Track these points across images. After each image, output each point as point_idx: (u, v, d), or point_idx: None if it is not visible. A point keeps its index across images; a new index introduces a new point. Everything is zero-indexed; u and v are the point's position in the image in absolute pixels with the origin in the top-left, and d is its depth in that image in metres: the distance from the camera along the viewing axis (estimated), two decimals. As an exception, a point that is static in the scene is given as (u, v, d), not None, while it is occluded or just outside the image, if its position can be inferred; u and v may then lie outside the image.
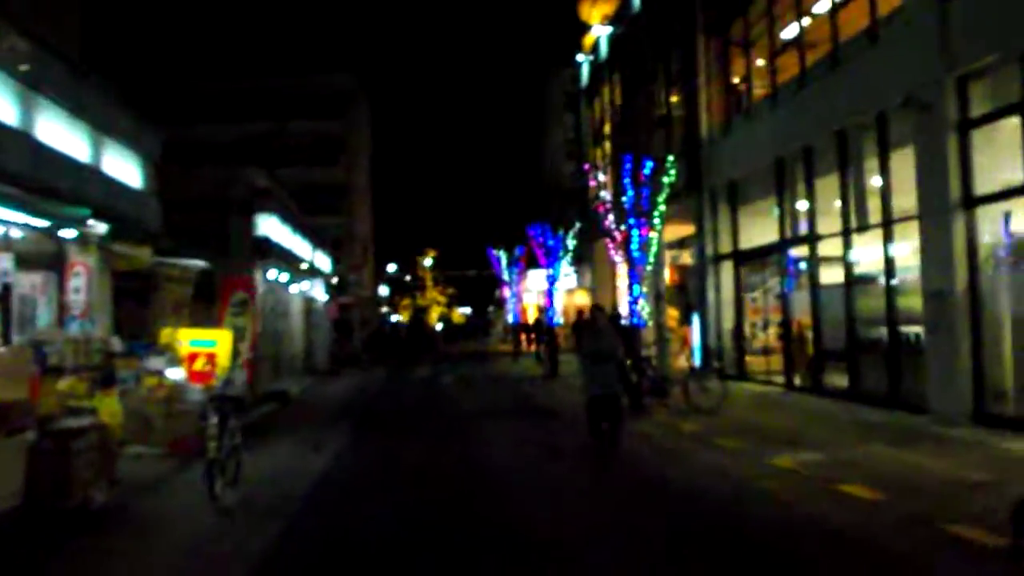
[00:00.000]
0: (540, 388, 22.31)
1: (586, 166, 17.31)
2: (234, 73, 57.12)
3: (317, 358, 30.64)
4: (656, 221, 15.99)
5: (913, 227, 14.68)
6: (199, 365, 13.01)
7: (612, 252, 15.80)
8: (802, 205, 18.42)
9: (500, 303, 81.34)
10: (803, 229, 18.45)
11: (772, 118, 19.32)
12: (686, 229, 26.73)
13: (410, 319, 70.55)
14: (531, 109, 68.81)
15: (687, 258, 25.06)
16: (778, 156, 18.96)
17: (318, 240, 32.11)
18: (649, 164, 15.83)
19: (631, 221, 15.67)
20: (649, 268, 16.52)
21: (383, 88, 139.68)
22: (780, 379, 19.43)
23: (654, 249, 16.36)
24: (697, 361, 23.54)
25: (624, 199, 16.28)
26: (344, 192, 57.66)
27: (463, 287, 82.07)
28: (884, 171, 15.03)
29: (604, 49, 33.10)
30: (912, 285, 14.88)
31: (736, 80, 21.84)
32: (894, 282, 14.95)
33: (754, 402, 16.90)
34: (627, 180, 15.53)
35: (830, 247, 17.64)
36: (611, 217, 15.87)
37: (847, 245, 16.32)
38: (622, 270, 33.63)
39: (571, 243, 25.37)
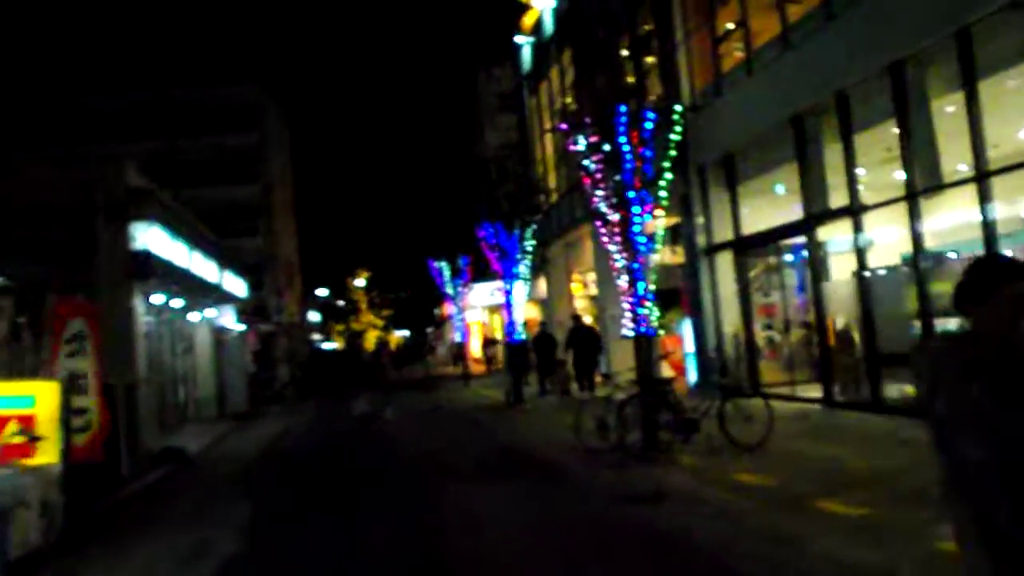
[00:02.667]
0: (510, 423, 17.88)
1: (563, 125, 12.89)
2: (130, 87, 51.66)
3: (232, 399, 25.76)
4: (662, 194, 11.75)
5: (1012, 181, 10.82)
6: (6, 435, 8.34)
7: (604, 241, 11.49)
8: (835, 169, 14.45)
9: (440, 322, 76.56)
10: (838, 200, 14.47)
11: (784, 65, 15.35)
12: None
13: (345, 345, 65.44)
14: (462, 115, 64.69)
15: (668, 256, 20.95)
16: (796, 112, 14.99)
17: (228, 261, 27.26)
18: (651, 116, 11.57)
19: (631, 195, 11.35)
20: (656, 258, 12.25)
21: (303, 101, 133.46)
22: (811, 393, 15.41)
23: (660, 233, 12.10)
24: (694, 375, 19.44)
25: (612, 174, 12.02)
26: (263, 211, 52.58)
27: (399, 308, 77.22)
28: (972, 106, 11.06)
29: (549, 26, 29.04)
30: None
31: (730, 26, 17.84)
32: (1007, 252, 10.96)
33: (800, 427, 12.76)
34: (623, 139, 11.23)
35: (880, 219, 13.70)
36: (599, 193, 11.50)
37: (914, 213, 12.33)
38: (583, 277, 29.53)
39: (530, 243, 20.97)
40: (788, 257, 17.27)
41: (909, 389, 13.24)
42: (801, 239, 15.90)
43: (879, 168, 14.02)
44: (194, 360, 23.73)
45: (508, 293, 21.71)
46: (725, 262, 18.67)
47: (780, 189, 17.26)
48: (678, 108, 12.32)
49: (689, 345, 19.79)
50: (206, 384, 24.19)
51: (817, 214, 14.81)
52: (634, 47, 20.35)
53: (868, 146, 13.79)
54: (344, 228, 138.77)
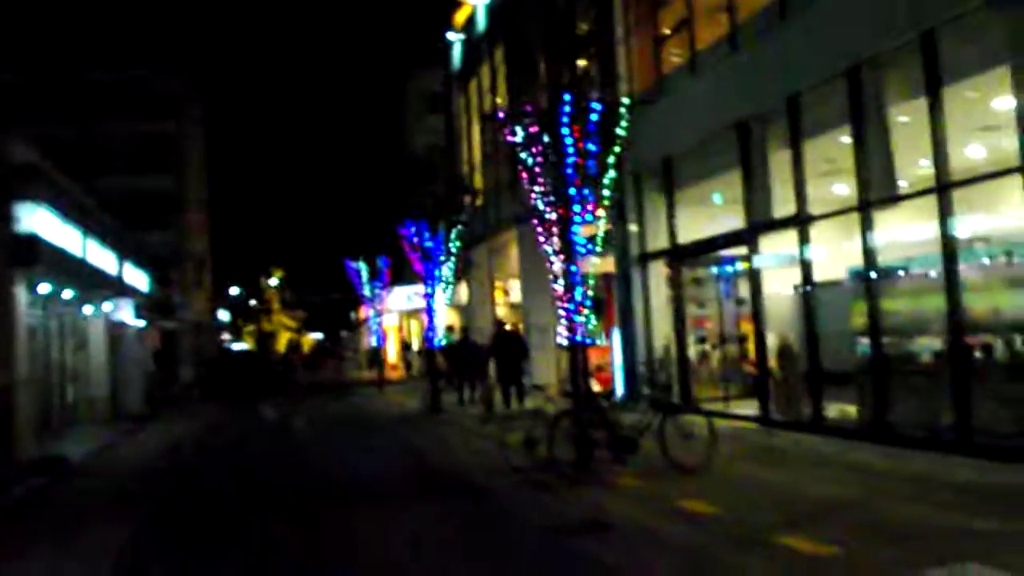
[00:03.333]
0: (429, 435, 16.72)
1: (500, 114, 11.88)
2: (38, 64, 48.73)
3: (128, 399, 23.95)
4: (606, 193, 10.85)
5: (980, 191, 10.26)
6: None
7: (541, 241, 10.53)
8: (780, 178, 13.78)
9: (356, 326, 74.70)
10: (783, 209, 13.81)
11: (731, 67, 14.64)
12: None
13: (256, 346, 63.19)
14: (387, 115, 63.30)
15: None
16: (742, 116, 14.28)
17: (130, 252, 25.44)
18: (596, 108, 10.66)
19: (571, 192, 10.41)
20: (595, 262, 11.33)
21: (224, 94, 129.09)
22: (745, 410, 14.71)
23: (601, 235, 11.19)
24: (621, 389, 18.62)
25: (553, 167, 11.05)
26: (175, 204, 50.17)
27: (314, 310, 75.05)
28: (935, 114, 10.44)
29: (482, 22, 28.07)
30: (990, 274, 10.47)
31: (669, 29, 17.12)
32: (965, 269, 10.33)
33: (739, 448, 11.96)
34: (565, 131, 10.29)
35: (828, 231, 13.06)
36: (537, 189, 10.55)
37: (867, 224, 11.68)
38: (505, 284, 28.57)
39: (454, 245, 19.91)
40: (727, 268, 16.57)
41: (850, 409, 12.65)
42: (740, 250, 15.22)
43: (827, 178, 13.40)
44: (87, 357, 21.93)
45: (429, 297, 20.58)
46: (658, 271, 17.93)
47: (719, 198, 16.61)
48: (626, 101, 11.46)
49: (617, 357, 18.98)
50: (100, 383, 22.39)
51: (760, 223, 14.12)
52: (571, 45, 19.49)
53: (818, 154, 13.15)
54: (260, 226, 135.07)
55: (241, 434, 19.33)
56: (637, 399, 17.38)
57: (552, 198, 11.07)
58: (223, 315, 65.76)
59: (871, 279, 11.66)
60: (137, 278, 26.49)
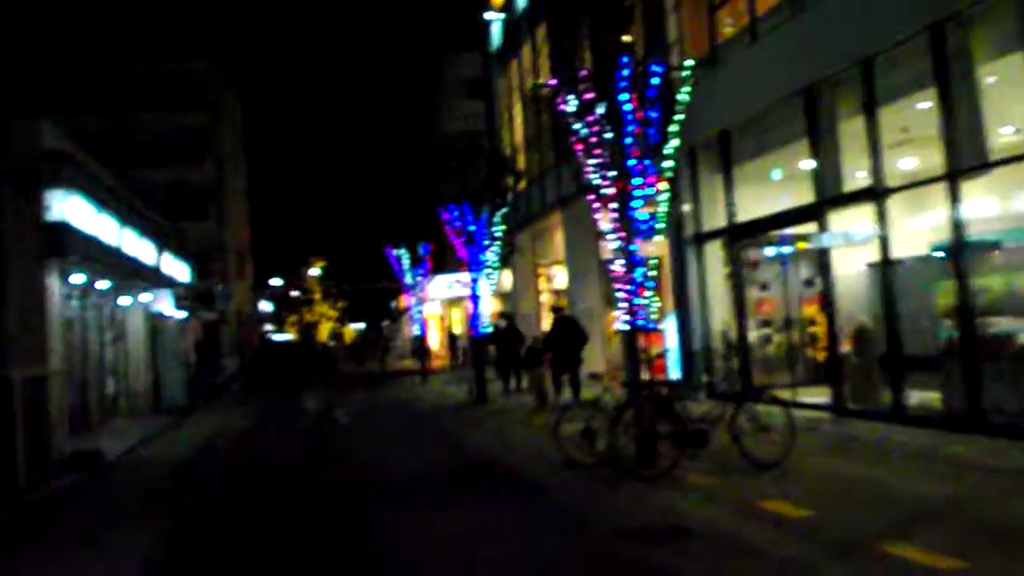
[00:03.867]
0: (477, 427, 15.95)
1: (552, 81, 10.97)
2: (71, 59, 48.61)
3: (170, 391, 23.52)
4: (667, 164, 9.97)
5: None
6: None
7: (597, 219, 9.66)
8: (852, 149, 12.77)
9: (397, 315, 74.28)
10: (853, 182, 12.82)
11: (797, 28, 13.62)
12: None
13: (298, 337, 63.04)
14: (423, 101, 62.63)
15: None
16: (811, 82, 13.27)
17: (169, 242, 25.00)
18: (657, 71, 9.76)
19: (631, 164, 9.54)
20: (656, 240, 10.45)
21: (259, 81, 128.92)
22: (815, 398, 13.73)
23: (663, 211, 10.30)
24: (676, 375, 17.73)
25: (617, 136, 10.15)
26: (214, 195, 49.94)
27: (355, 300, 74.81)
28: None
29: (522, 0, 27.18)
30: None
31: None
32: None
33: (815, 440, 11.02)
34: (624, 97, 9.41)
35: (900, 205, 12.03)
36: (592, 162, 9.69)
37: (954, 196, 10.65)
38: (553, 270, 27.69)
39: (499, 228, 19.10)
40: (788, 247, 15.55)
41: (933, 396, 11.65)
42: (806, 227, 14.22)
43: (901, 148, 12.38)
44: (126, 349, 21.50)
45: (474, 283, 19.79)
46: (714, 253, 16.99)
47: (780, 172, 15.64)
48: (689, 63, 10.53)
49: (672, 344, 18.07)
50: (140, 375, 21.96)
51: (830, 198, 13.12)
52: (620, 15, 18.51)
53: (893, 122, 12.13)
54: (300, 215, 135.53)
55: (283, 427, 18.75)
56: (695, 387, 16.51)
57: (609, 172, 10.18)
58: (265, 306, 65.72)
59: (960, 254, 10.63)
60: (177, 269, 26.04)
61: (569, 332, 16.16)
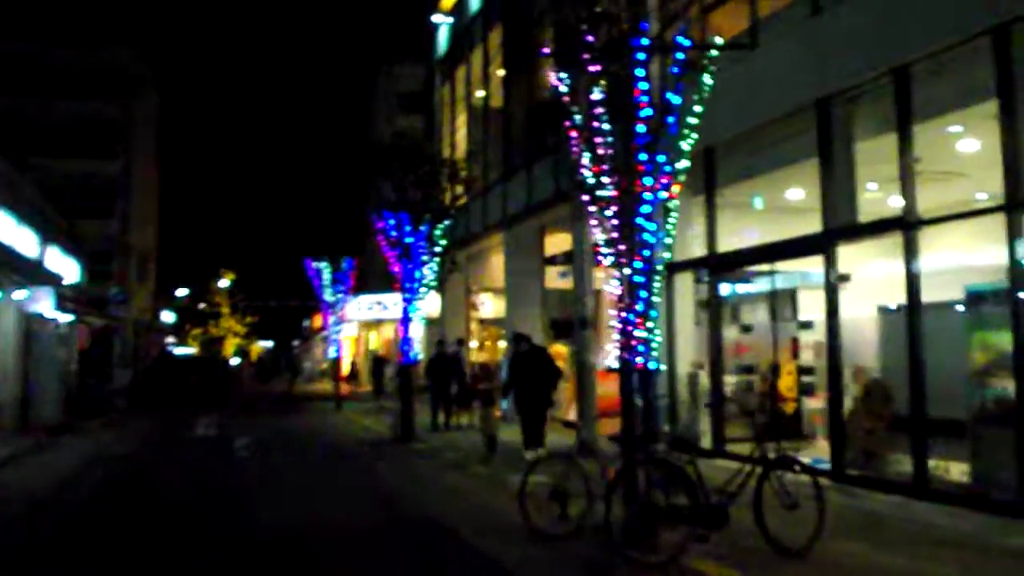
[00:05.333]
0: (405, 468, 13.52)
1: (545, 50, 8.78)
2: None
3: (43, 407, 20.32)
4: (684, 164, 7.90)
5: None
6: None
7: (593, 226, 7.48)
8: (869, 172, 10.97)
9: (309, 335, 70.83)
10: (869, 212, 11.01)
11: (806, 33, 11.79)
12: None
13: (201, 352, 59.15)
14: (355, 117, 60.00)
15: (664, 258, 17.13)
16: (827, 92, 11.43)
17: (55, 234, 21.94)
18: (683, 44, 7.69)
19: (640, 160, 7.42)
20: (664, 257, 8.37)
21: (180, 82, 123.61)
22: (804, 459, 11.72)
23: (672, 220, 8.21)
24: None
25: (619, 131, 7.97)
26: (119, 191, 46.17)
27: (265, 316, 71.10)
28: None
29: (475, 2, 25.11)
30: None
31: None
32: None
33: (830, 517, 8.97)
34: (640, 73, 7.30)
35: (943, 236, 10.21)
36: (590, 155, 7.54)
37: (1013, 230, 8.83)
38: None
39: (440, 243, 16.86)
40: (775, 282, 13.68)
41: (960, 468, 9.80)
42: (804, 263, 12.37)
43: (938, 174, 10.62)
44: (-8, 354, 18.37)
45: (408, 302, 17.40)
46: (686, 285, 15.02)
47: (773, 198, 13.80)
48: (718, 41, 8.51)
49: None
50: (6, 385, 18.77)
51: (843, 228, 11.25)
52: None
53: (927, 141, 10.35)
54: (213, 222, 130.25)
55: (169, 458, 15.89)
56: (653, 439, 14.42)
57: (612, 168, 8.04)
58: (168, 316, 61.63)
59: (1019, 300, 8.79)
60: (64, 266, 22.94)
61: (537, 366, 13.60)
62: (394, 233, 17.12)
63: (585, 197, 8.29)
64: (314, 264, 28.17)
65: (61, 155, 43.48)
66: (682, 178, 8.35)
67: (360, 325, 47.10)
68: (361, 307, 39.40)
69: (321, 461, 15.06)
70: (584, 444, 14.31)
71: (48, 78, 44.53)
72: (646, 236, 8.06)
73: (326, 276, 28.14)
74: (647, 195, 7.97)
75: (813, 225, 11.85)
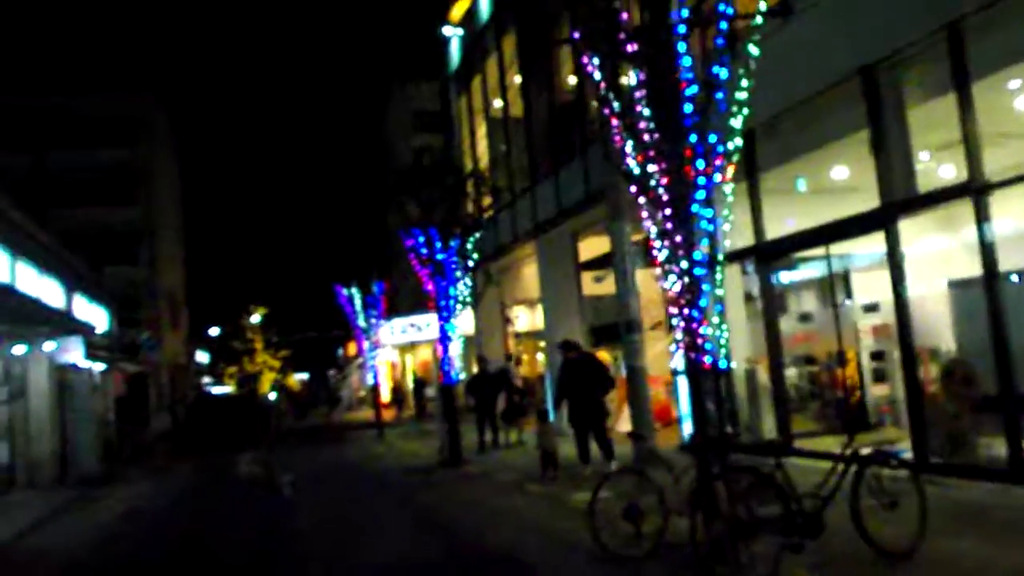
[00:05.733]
0: (459, 495, 12.89)
1: (575, 34, 8.14)
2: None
3: (80, 458, 19.93)
4: (735, 144, 7.25)
5: None
6: None
7: (643, 219, 6.82)
8: (923, 139, 10.26)
9: (344, 363, 70.59)
10: (931, 180, 10.29)
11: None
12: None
13: (238, 389, 58.92)
14: (371, 140, 59.85)
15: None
16: (870, 60, 10.72)
17: (80, 283, 21.62)
18: (728, 13, 7.05)
19: (691, 141, 6.79)
20: (724, 246, 7.72)
21: (195, 117, 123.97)
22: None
23: (726, 205, 7.58)
24: (688, 427, 14.88)
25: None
26: (144, 237, 46.16)
27: (298, 348, 70.86)
28: None
29: (485, 11, 24.60)
30: None
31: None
32: None
33: (935, 514, 8.22)
34: (682, 48, 6.67)
35: (1009, 202, 9.46)
36: (630, 146, 6.91)
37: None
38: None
39: (472, 257, 16.29)
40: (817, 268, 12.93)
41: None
42: (860, 243, 11.65)
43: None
44: (26, 407, 18.00)
45: (445, 320, 16.81)
46: (733, 277, 14.30)
47: (823, 178, 13.08)
48: (762, 6, 7.85)
49: (681, 389, 15.26)
50: (43, 439, 18.39)
51: (902, 201, 10.51)
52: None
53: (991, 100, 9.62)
54: (239, 259, 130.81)
55: (212, 504, 15.32)
56: (728, 446, 13.68)
57: (659, 155, 7.40)
58: (202, 357, 61.59)
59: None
60: (93, 314, 22.62)
61: (586, 375, 12.81)
62: (424, 251, 16.55)
63: (633, 188, 7.64)
64: (344, 290, 27.69)
65: (81, 204, 43.54)
66: (736, 158, 7.69)
67: (395, 349, 46.62)
68: (394, 331, 38.92)
69: (370, 494, 14.44)
70: (646, 454, 13.68)
71: (63, 128, 44.62)
72: (703, 224, 7.42)
73: (357, 302, 27.65)
74: (701, 179, 7.32)
75: (861, 205, 11.21)
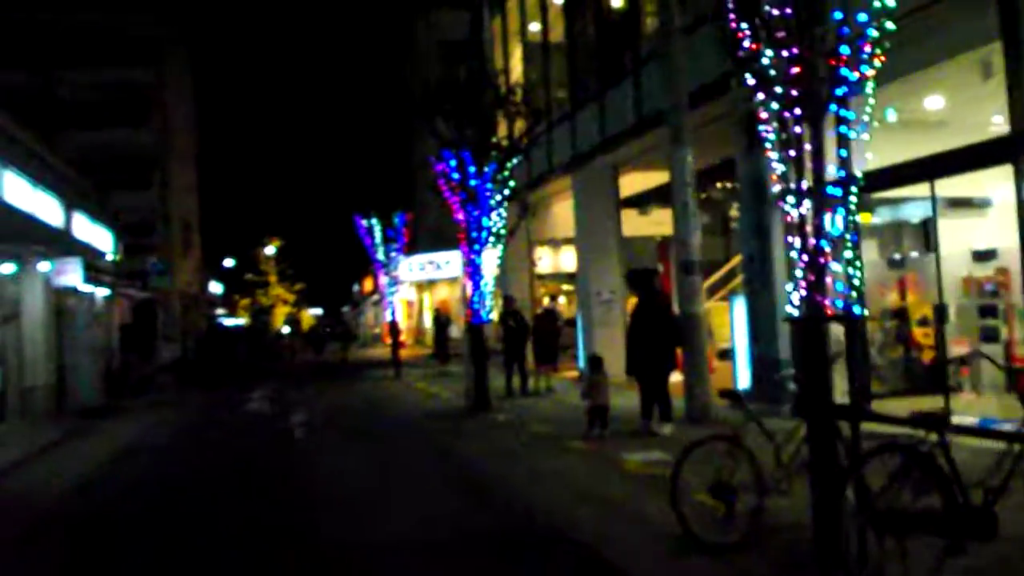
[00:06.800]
0: (497, 448, 11.42)
1: None
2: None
3: (80, 388, 18.63)
4: (888, 26, 5.49)
5: None
6: None
7: (762, 122, 5.08)
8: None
9: (360, 300, 69.24)
10: None
11: None
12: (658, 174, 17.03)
13: (251, 322, 57.79)
14: (393, 71, 57.59)
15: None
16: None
17: (83, 202, 20.06)
18: None
19: (836, 18, 5.05)
20: (865, 159, 6.07)
21: (212, 36, 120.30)
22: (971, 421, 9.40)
23: (868, 108, 5.87)
24: (745, 382, 13.35)
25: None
26: (158, 161, 44.46)
27: (313, 283, 69.61)
28: None
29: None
30: None
31: None
32: None
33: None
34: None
35: None
36: (745, 25, 5.16)
37: None
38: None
39: (510, 182, 14.68)
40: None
41: None
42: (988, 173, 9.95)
43: None
44: (18, 332, 16.63)
45: (476, 253, 15.23)
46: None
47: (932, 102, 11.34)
48: None
49: (740, 338, 13.70)
50: (38, 367, 17.04)
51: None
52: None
53: None
54: (255, 189, 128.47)
55: (215, 444, 13.92)
56: (775, 399, 12.18)
57: (790, 39, 5.71)
58: (216, 288, 60.40)
59: None
60: (96, 236, 21.14)
61: (655, 320, 11.13)
62: (456, 176, 14.89)
63: (751, 81, 5.96)
64: (364, 222, 26.11)
65: (93, 126, 41.82)
66: (887, 45, 5.98)
67: (412, 286, 45.22)
68: (413, 267, 37.44)
69: (390, 440, 13.02)
70: (699, 410, 12.18)
71: (75, 45, 42.65)
72: (843, 129, 5.77)
73: (377, 234, 26.07)
74: (844, 71, 5.64)
75: (952, 141, 9.61)
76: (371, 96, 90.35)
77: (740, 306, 13.63)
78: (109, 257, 22.43)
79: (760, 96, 5.97)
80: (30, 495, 9.74)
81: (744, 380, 13.50)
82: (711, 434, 6.72)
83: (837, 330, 5.83)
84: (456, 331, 27.42)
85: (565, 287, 28.41)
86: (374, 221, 25.82)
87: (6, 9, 41.95)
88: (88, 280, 18.34)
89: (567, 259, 25.98)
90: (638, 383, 11.27)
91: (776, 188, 6.19)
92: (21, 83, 38.35)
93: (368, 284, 55.54)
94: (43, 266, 16.33)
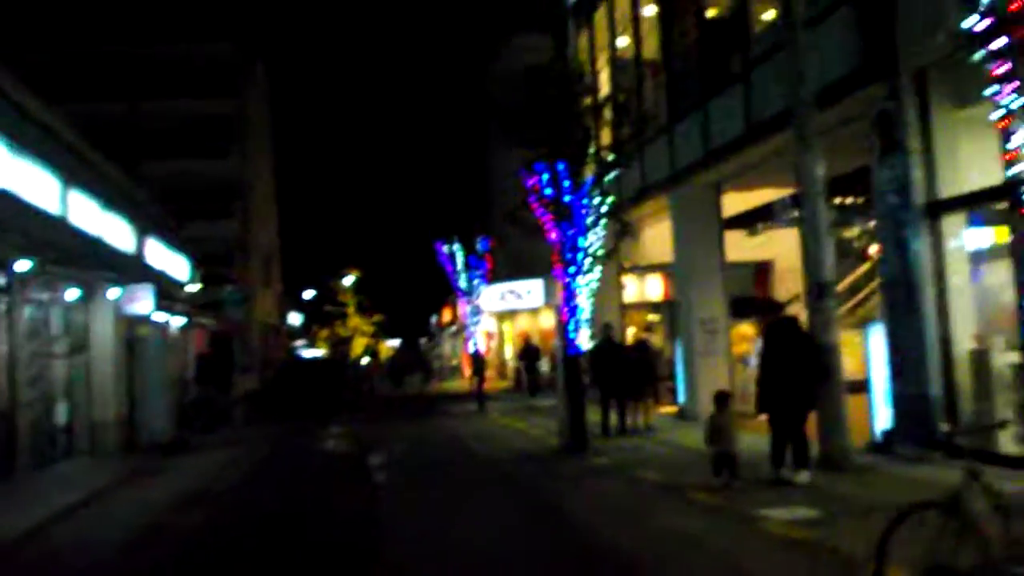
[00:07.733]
0: (588, 494, 9.91)
1: None
2: (80, 39, 43.08)
3: (151, 423, 17.74)
4: None
5: None
6: None
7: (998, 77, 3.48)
8: None
9: (437, 331, 68.44)
10: None
11: None
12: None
13: (330, 353, 57.28)
14: (472, 96, 57.00)
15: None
16: None
17: (156, 227, 19.37)
18: None
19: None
20: None
21: (292, 69, 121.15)
22: None
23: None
24: (883, 422, 11.58)
25: None
26: (238, 191, 44.36)
27: (391, 315, 68.97)
28: None
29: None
30: None
31: None
32: None
33: None
34: None
35: None
36: None
37: None
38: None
39: (606, 201, 13.26)
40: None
41: None
42: None
43: None
44: (88, 363, 15.80)
45: (571, 277, 13.84)
46: (955, 231, 10.99)
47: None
48: None
49: (877, 370, 11.95)
50: (107, 401, 16.15)
51: None
52: None
53: None
54: (333, 219, 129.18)
55: (289, 489, 12.60)
56: (926, 443, 10.42)
57: None
58: (295, 319, 60.22)
59: None
60: (172, 263, 20.43)
61: (797, 350, 9.64)
62: (549, 191, 13.56)
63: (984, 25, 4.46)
64: (445, 247, 24.98)
65: (175, 155, 41.94)
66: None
67: (492, 316, 43.99)
68: (492, 297, 36.21)
69: (480, 487, 11.56)
70: (838, 455, 10.50)
71: (158, 78, 42.98)
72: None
73: (459, 261, 24.90)
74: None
75: None
76: (450, 123, 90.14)
77: (877, 336, 11.91)
78: (188, 288, 21.73)
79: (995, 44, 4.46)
80: (76, 545, 8.60)
81: (882, 420, 11.76)
82: (921, 501, 5.09)
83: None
84: (544, 364, 26.01)
85: (650, 317, 26.79)
86: (456, 247, 24.67)
87: (100, 40, 42.60)
88: (161, 308, 17.49)
89: (653, 286, 24.45)
90: (770, 422, 9.65)
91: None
92: (110, 113, 38.76)
93: (446, 315, 54.61)
94: (112, 293, 15.50)
